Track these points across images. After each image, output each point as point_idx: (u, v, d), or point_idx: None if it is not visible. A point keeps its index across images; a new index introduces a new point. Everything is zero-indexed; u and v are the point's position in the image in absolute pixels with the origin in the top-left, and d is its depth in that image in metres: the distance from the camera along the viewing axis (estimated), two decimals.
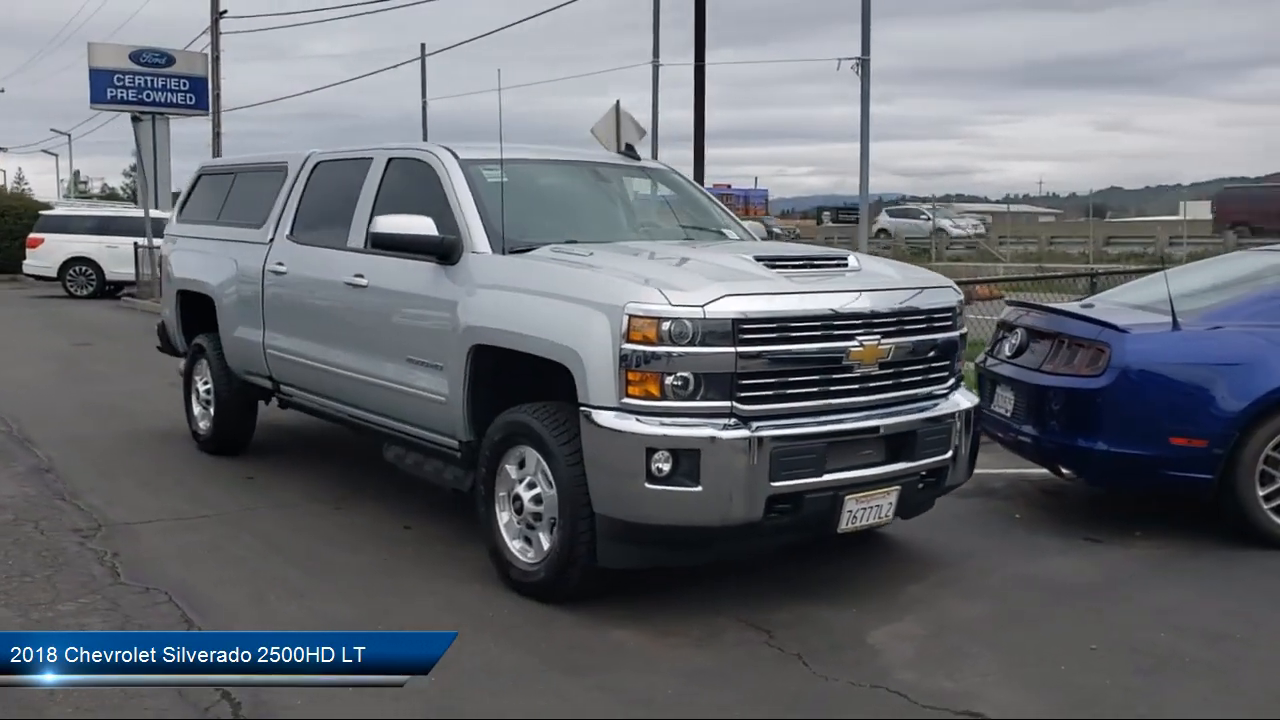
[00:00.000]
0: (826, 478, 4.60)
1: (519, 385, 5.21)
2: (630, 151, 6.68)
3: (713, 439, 4.36)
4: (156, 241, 23.83)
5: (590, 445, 4.52)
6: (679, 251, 5.38)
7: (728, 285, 4.51)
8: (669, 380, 4.39)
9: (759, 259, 4.94)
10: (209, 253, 7.85)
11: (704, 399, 4.42)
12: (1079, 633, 4.61)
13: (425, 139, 18.83)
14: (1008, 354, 6.50)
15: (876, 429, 4.75)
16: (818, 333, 4.60)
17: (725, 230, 6.39)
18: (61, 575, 5.18)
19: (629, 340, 4.42)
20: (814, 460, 4.56)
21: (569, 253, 5.16)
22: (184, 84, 32.75)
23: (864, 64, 10.69)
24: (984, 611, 4.87)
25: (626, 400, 4.44)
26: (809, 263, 5.03)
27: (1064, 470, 6.07)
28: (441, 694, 3.93)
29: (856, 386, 4.73)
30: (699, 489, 4.37)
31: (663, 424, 4.40)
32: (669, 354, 4.38)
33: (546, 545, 4.84)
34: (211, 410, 7.92)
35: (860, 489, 4.71)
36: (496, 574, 5.13)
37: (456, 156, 5.88)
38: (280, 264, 6.90)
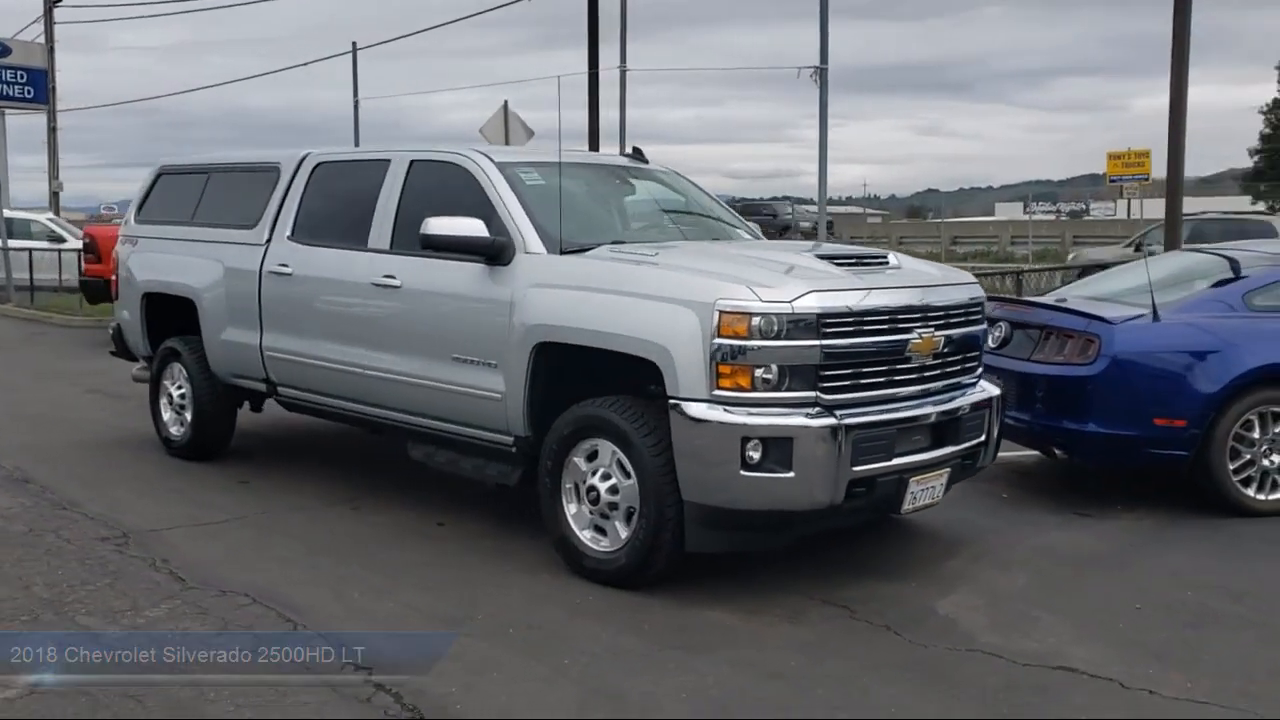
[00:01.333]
0: (895, 462, 4.94)
1: (579, 382, 5.39)
2: (638, 155, 6.90)
3: (804, 427, 4.65)
4: (15, 243, 22.74)
5: (681, 436, 4.74)
6: (737, 250, 5.66)
7: (810, 282, 4.80)
8: (758, 372, 4.66)
9: (822, 257, 5.25)
10: (186, 254, 7.69)
11: (790, 390, 4.70)
12: (1116, 595, 5.07)
13: (357, 142, 18.55)
14: (992, 346, 6.99)
15: (933, 415, 5.12)
16: (885, 326, 4.94)
17: (740, 230, 6.68)
18: (124, 582, 5.09)
19: (720, 335, 4.66)
20: (886, 446, 4.89)
21: (632, 253, 5.36)
22: (21, 75, 31.17)
23: (822, 72, 11.16)
24: (1025, 581, 5.30)
25: (717, 392, 4.68)
26: (860, 261, 5.36)
27: (1057, 451, 6.58)
28: (587, 675, 4.10)
29: (914, 376, 5.09)
30: (790, 475, 4.65)
31: (755, 414, 4.66)
32: (759, 348, 4.65)
33: (624, 533, 5.04)
34: (188, 415, 7.76)
35: (920, 472, 5.07)
36: (563, 563, 5.29)
37: (493, 159, 6.00)
38: (284, 265, 6.85)
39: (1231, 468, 6.30)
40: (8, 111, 28.13)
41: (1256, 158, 65.46)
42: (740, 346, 4.64)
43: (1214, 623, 4.77)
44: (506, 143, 21.37)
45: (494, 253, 5.60)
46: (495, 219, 5.67)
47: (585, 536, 5.21)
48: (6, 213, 22.94)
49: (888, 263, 5.45)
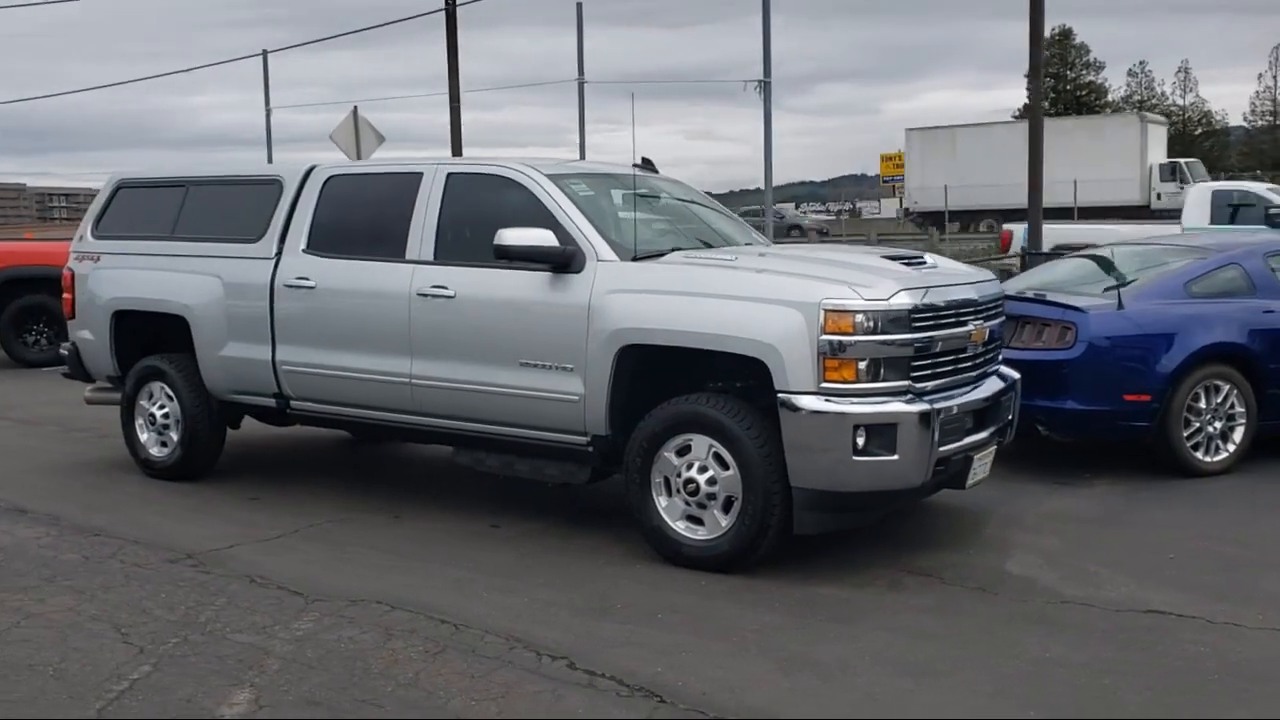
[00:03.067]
0: (964, 441, 5.51)
1: (659, 382, 5.73)
2: (648, 165, 7.24)
3: (905, 413, 5.14)
4: None
5: (791, 427, 5.16)
6: (812, 254, 6.11)
7: (898, 280, 5.30)
8: (861, 365, 5.12)
9: (886, 258, 5.77)
10: (171, 269, 7.51)
11: (888, 380, 5.19)
12: (1146, 548, 5.80)
13: (270, 146, 17.86)
14: None
15: (987, 398, 5.72)
16: (954, 319, 5.50)
17: (756, 235, 7.13)
18: (242, 600, 5.07)
19: (826, 332, 5.10)
20: (959, 427, 5.46)
21: (711, 258, 5.73)
22: None
23: (766, 85, 11.71)
24: (1059, 542, 5.96)
25: (825, 385, 5.12)
26: (911, 261, 5.91)
27: (1039, 428, 7.33)
28: (769, 646, 4.46)
29: (969, 364, 5.67)
30: (894, 457, 5.13)
31: (860, 404, 5.13)
32: (861, 342, 5.12)
33: (725, 522, 5.41)
34: (175, 435, 7.59)
35: (979, 449, 5.67)
36: (655, 553, 5.60)
37: (544, 173, 6.23)
38: (304, 278, 6.84)
39: (1185, 434, 7.22)
40: None
41: None
42: (845, 342, 5.10)
43: (1241, 565, 5.55)
44: (358, 149, 21.16)
45: (565, 261, 5.84)
46: (559, 229, 5.92)
47: (680, 527, 5.55)
48: None
49: (926, 262, 6.02)
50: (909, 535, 6.05)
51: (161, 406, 7.65)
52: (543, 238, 5.81)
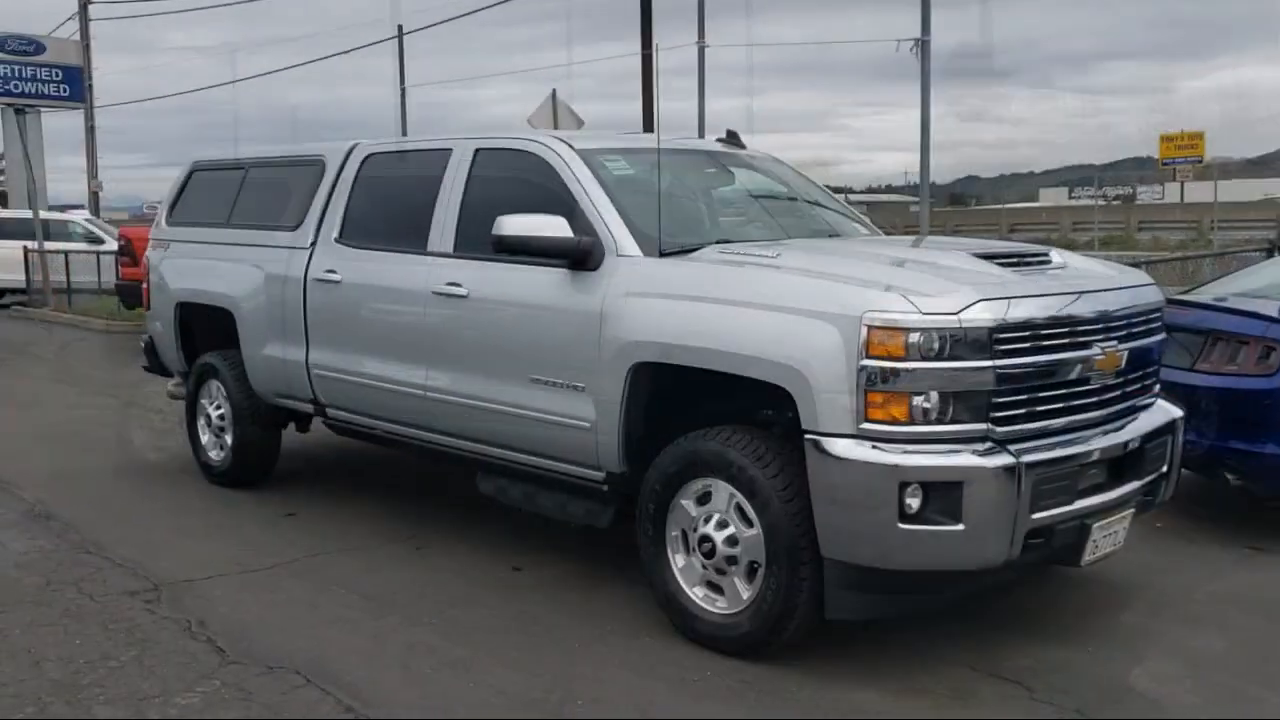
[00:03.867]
0: (1077, 505, 4.06)
1: (686, 408, 4.57)
2: (733, 139, 6.03)
3: (977, 468, 3.77)
4: (49, 245, 22.23)
5: (821, 479, 3.89)
6: (875, 249, 4.80)
7: (978, 288, 3.92)
8: (917, 400, 3.79)
9: (978, 256, 4.38)
10: (222, 259, 6.92)
11: (956, 421, 3.83)
12: None
13: (405, 132, 17.78)
14: None
15: (1118, 446, 4.24)
16: (1066, 340, 4.06)
17: (857, 225, 5.81)
18: (153, 655, 4.30)
19: (869, 355, 3.80)
20: (1068, 486, 4.02)
21: (746, 254, 4.51)
22: (57, 74, 30.81)
23: (923, 44, 10.26)
24: (1220, 642, 4.41)
25: (866, 425, 3.82)
26: (1021, 260, 4.48)
27: (1229, 476, 5.66)
28: None
29: (1094, 400, 4.21)
30: (960, 527, 3.78)
31: (913, 452, 3.80)
32: (918, 370, 3.78)
33: (747, 593, 4.20)
34: (228, 439, 7.00)
35: (1103, 514, 4.19)
36: (671, 625, 4.46)
37: (572, 146, 5.17)
38: (331, 271, 6.06)
39: None
40: (44, 110, 27.73)
41: None
42: (894, 369, 3.78)
43: None
44: None
45: (579, 256, 4.77)
46: (579, 216, 4.85)
47: (697, 595, 4.37)
48: (43, 214, 22.44)
49: (1050, 261, 4.57)
50: (1012, 614, 4.64)
51: (218, 407, 7.10)
52: (551, 226, 4.75)
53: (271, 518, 6.36)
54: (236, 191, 7.11)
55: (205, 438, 7.23)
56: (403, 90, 18.85)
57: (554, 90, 21.11)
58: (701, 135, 9.78)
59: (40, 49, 26.70)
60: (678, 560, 4.44)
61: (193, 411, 7.31)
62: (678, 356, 4.34)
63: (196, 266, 7.19)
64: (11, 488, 7.08)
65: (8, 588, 5.10)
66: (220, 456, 7.10)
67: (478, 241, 5.40)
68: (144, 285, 7.79)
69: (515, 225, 4.76)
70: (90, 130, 43.77)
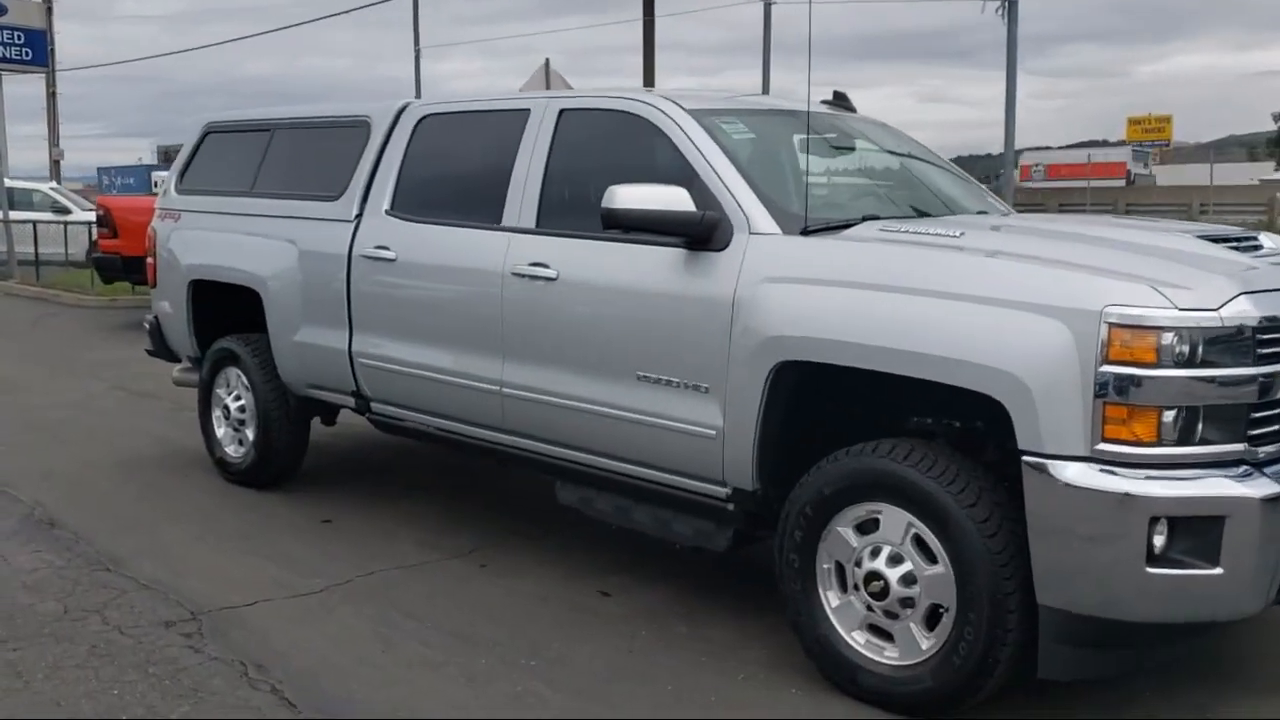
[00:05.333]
0: None
1: (830, 415, 3.88)
2: (842, 101, 5.31)
3: (1241, 499, 3.09)
4: (16, 215, 21.16)
5: (1042, 510, 3.20)
6: (1070, 228, 4.10)
7: (1234, 279, 3.24)
8: (1168, 416, 3.11)
9: (1204, 238, 3.70)
10: (246, 232, 6.13)
11: (1208, 441, 3.15)
12: None
13: (419, 95, 16.91)
14: None
15: None
16: None
17: (993, 201, 5.11)
18: (209, 708, 3.56)
19: (1110, 360, 3.11)
20: None
21: (919, 232, 3.80)
22: (19, 36, 29.58)
23: (1011, 5, 9.56)
24: None
25: (1102, 447, 3.14)
26: (1239, 244, 3.79)
27: None
28: None
29: None
30: (1217, 571, 3.10)
31: (1161, 479, 3.11)
32: (1170, 379, 3.09)
33: (927, 643, 3.51)
34: (249, 433, 6.23)
35: None
36: (821, 674, 3.77)
37: (682, 106, 4.43)
38: (383, 247, 5.29)
39: None
40: (4, 75, 26.47)
41: None
42: (1141, 376, 3.09)
43: None
44: None
45: (702, 233, 4.04)
46: (699, 187, 4.12)
47: (857, 641, 3.68)
48: (7, 182, 21.37)
49: (1262, 245, 3.89)
50: (1239, 665, 3.98)
51: (238, 398, 6.32)
52: (670, 198, 4.02)
53: (306, 525, 5.61)
54: (261, 156, 6.30)
55: (221, 431, 6.46)
56: (417, 52, 17.92)
57: (547, 60, 20.28)
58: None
59: (2, 10, 25.48)
60: (830, 598, 3.74)
61: (207, 402, 6.53)
62: (839, 356, 3.62)
63: (214, 240, 6.38)
64: (4, 488, 6.28)
65: (21, 618, 4.32)
66: (240, 453, 6.33)
67: (565, 216, 4.69)
68: (149, 260, 6.97)
69: (630, 197, 4.02)
70: (52, 96, 42.29)
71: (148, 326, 7.07)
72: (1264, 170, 64.66)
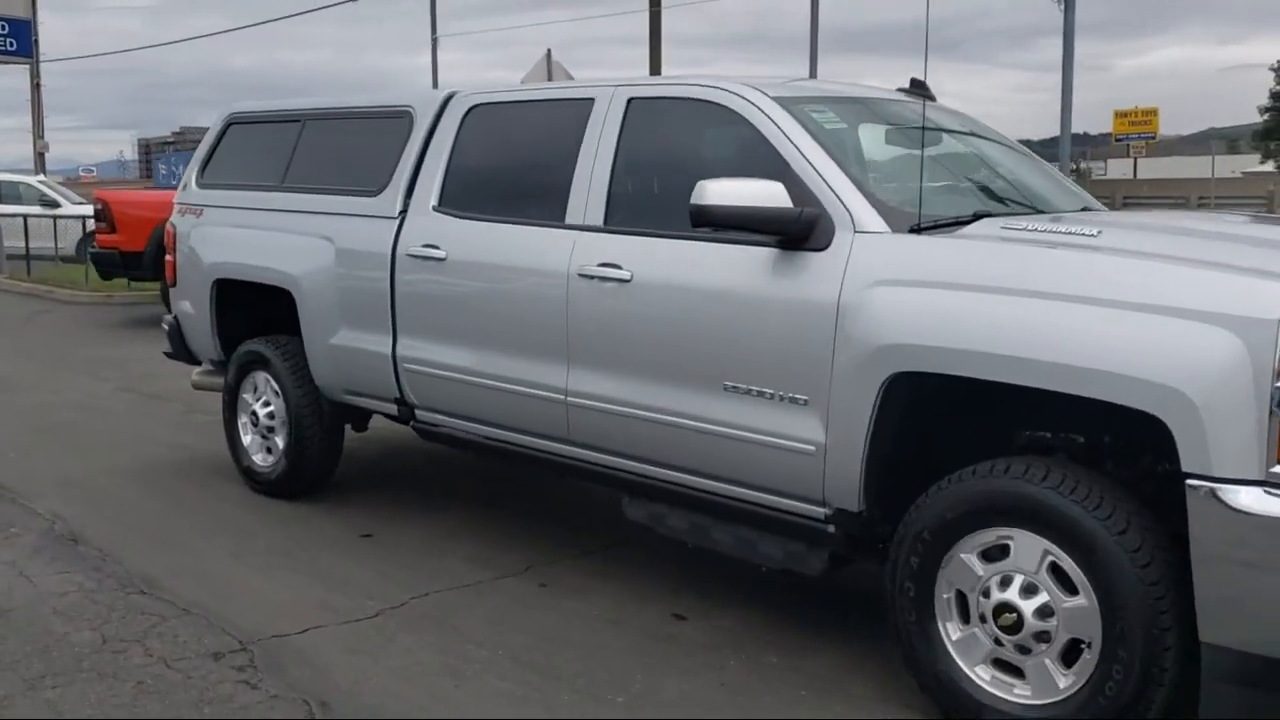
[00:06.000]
0: None
1: (947, 429, 3.59)
2: (921, 89, 4.99)
3: None
4: (4, 208, 20.72)
5: (1210, 540, 2.90)
6: (1203, 226, 3.81)
7: None
8: None
9: None
10: (276, 228, 5.79)
11: None
12: None
13: (436, 84, 16.52)
14: None
15: None
16: None
17: (1088, 197, 4.81)
18: None
19: None
20: None
21: (1047, 231, 3.50)
22: (4, 26, 29.15)
23: None
24: None
25: (1279, 470, 2.85)
26: None
27: None
28: None
29: None
30: None
31: None
32: None
33: (1065, 680, 3.21)
34: (279, 441, 5.90)
35: None
36: (941, 711, 3.47)
37: (769, 95, 4.11)
38: (432, 245, 4.96)
39: None
40: None
41: (1267, 115, 63.98)
42: None
43: None
44: None
45: (800, 231, 3.73)
46: (794, 181, 3.81)
47: (981, 677, 3.38)
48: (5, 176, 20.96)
49: None
50: None
51: (266, 404, 5.98)
52: (767, 194, 3.72)
53: (345, 540, 5.29)
54: (292, 148, 5.95)
55: (248, 439, 6.12)
56: (434, 40, 17.54)
57: (549, 51, 19.92)
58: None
59: None
60: (950, 630, 3.45)
61: (232, 408, 6.19)
62: (966, 367, 3.32)
63: (240, 237, 6.04)
64: (19, 498, 5.94)
65: (57, 650, 3.98)
66: (269, 462, 5.99)
67: (637, 213, 4.39)
68: (168, 258, 6.62)
69: (723, 193, 3.70)
70: (36, 88, 41.71)
71: (166, 328, 6.71)
72: (1249, 163, 64.81)
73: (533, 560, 4.99)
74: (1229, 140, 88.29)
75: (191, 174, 6.59)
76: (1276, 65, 60.48)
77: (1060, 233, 3.45)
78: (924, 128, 3.88)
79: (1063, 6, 9.47)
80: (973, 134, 4.88)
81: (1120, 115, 50.76)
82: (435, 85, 15.48)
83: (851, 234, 3.66)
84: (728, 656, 4.00)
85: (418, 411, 5.26)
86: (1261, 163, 61.64)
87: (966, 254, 3.48)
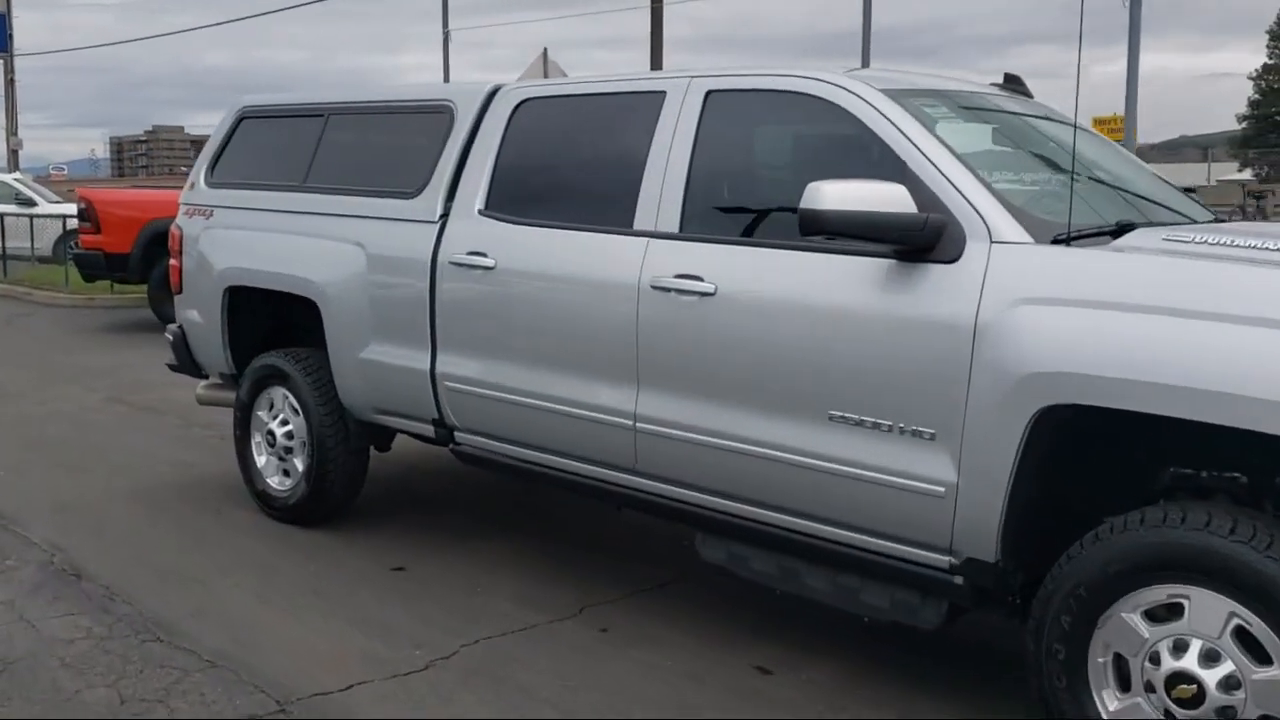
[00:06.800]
0: None
1: (1091, 468, 3.16)
2: (1017, 85, 4.57)
3: None
4: None
5: None
6: None
7: None
8: None
9: None
10: (299, 232, 5.32)
11: None
12: None
13: (447, 79, 16.05)
14: None
15: None
16: None
17: (1199, 205, 4.40)
18: None
19: None
20: None
21: (1222, 244, 3.08)
22: None
23: None
24: None
25: None
26: None
27: None
28: None
29: None
30: None
31: None
32: None
33: None
34: (299, 463, 5.42)
35: None
36: None
37: (876, 88, 3.68)
38: (479, 253, 4.50)
39: None
40: None
41: (1245, 124, 64.27)
42: None
43: None
44: None
45: (925, 241, 3.30)
46: (914, 184, 3.38)
47: None
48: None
49: None
50: None
51: (284, 422, 5.50)
52: (890, 198, 3.28)
53: (377, 575, 4.82)
54: (314, 145, 5.47)
55: (263, 460, 5.63)
56: (446, 34, 17.03)
57: (545, 50, 19.50)
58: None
59: None
60: (1106, 699, 3.01)
61: (245, 426, 5.69)
62: (1143, 401, 2.88)
63: (257, 241, 5.55)
64: (12, 524, 5.43)
65: (70, 711, 3.49)
66: (286, 486, 5.51)
67: (718, 218, 3.95)
68: (172, 263, 6.12)
69: (841, 196, 3.26)
70: (10, 84, 40.92)
71: (170, 339, 6.19)
72: (1226, 171, 65.04)
73: (584, 599, 4.53)
74: (1201, 148, 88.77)
75: (199, 172, 6.09)
76: (1255, 74, 60.83)
77: (1240, 246, 3.03)
78: (1075, 125, 3.46)
79: (1126, 4, 9.15)
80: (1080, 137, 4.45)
81: (1099, 122, 50.93)
82: (446, 80, 14.98)
83: (987, 244, 3.23)
84: (823, 714, 3.55)
85: (457, 434, 4.80)
86: (1239, 170, 61.89)
87: (1134, 270, 3.05)
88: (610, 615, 4.39)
